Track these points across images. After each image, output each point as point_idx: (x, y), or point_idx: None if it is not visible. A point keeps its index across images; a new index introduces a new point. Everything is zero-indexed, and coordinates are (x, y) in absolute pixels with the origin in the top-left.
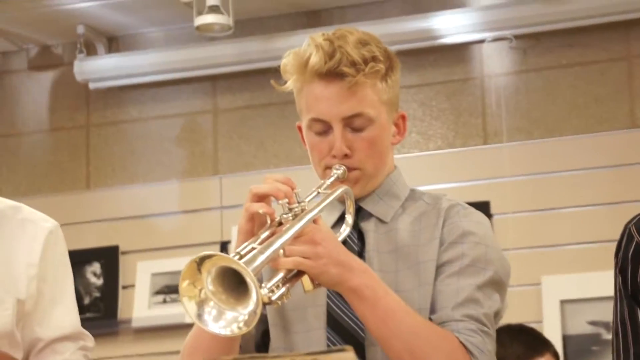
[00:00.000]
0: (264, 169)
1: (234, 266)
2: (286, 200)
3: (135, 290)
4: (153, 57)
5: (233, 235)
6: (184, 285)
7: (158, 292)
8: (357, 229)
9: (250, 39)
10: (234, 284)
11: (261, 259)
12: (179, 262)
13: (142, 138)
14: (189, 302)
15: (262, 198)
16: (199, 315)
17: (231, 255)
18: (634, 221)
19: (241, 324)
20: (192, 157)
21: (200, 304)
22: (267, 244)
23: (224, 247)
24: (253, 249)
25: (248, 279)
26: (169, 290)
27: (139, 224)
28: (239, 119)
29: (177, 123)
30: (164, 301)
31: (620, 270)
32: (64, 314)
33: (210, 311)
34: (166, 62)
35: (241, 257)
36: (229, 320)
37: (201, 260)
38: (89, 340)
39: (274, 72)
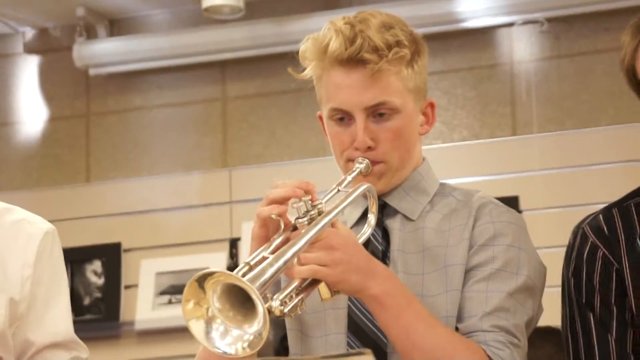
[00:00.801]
0: (276, 161)
1: (238, 284)
2: (302, 203)
3: (138, 290)
4: (158, 41)
5: (243, 231)
6: (188, 307)
7: (163, 293)
8: (381, 226)
9: (262, 22)
10: (241, 299)
11: (270, 272)
12: (186, 261)
13: (146, 128)
14: (196, 323)
15: (278, 203)
16: (207, 334)
17: (240, 266)
18: (587, 221)
19: (245, 345)
20: (200, 148)
21: (208, 322)
22: (278, 254)
23: (234, 244)
24: (264, 258)
25: (254, 297)
26: (174, 291)
27: (142, 220)
28: (249, 108)
29: (184, 112)
30: (169, 302)
31: (574, 274)
32: (58, 320)
33: (217, 328)
34: (172, 47)
35: (250, 269)
36: (235, 338)
37: (202, 279)
38: (82, 350)
39: (288, 58)
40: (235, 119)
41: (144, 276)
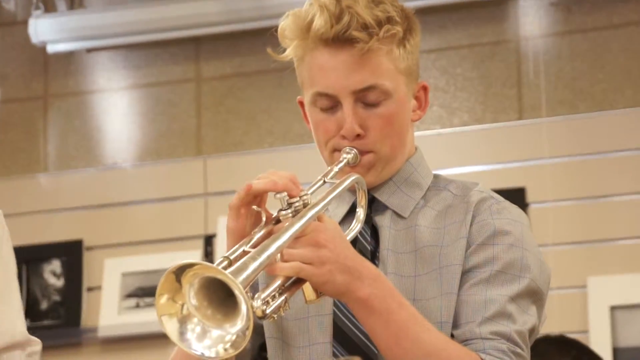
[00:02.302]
0: (256, 149)
1: (220, 277)
2: (285, 193)
3: (102, 293)
4: (124, 14)
5: (220, 227)
6: (162, 301)
7: (129, 296)
8: (370, 223)
9: None
10: (221, 296)
11: (253, 266)
12: (155, 260)
13: (111, 112)
14: (169, 321)
15: (256, 197)
16: (181, 334)
17: (218, 261)
18: None
19: (227, 346)
20: (171, 134)
21: (183, 320)
22: (261, 248)
23: (209, 241)
24: (245, 253)
25: (237, 292)
26: (142, 293)
27: (106, 214)
28: (226, 89)
29: (153, 94)
30: (137, 306)
31: None
32: (14, 318)
33: (193, 329)
34: (140, 21)
35: (230, 264)
36: (214, 339)
37: (180, 271)
38: (35, 344)
39: (269, 34)
40: (210, 102)
41: (108, 277)
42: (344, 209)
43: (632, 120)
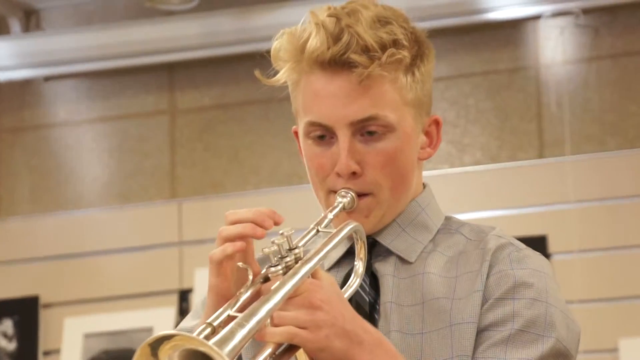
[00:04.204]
0: (238, 191)
1: (204, 349)
2: (275, 246)
3: (61, 357)
4: (88, 37)
5: (197, 280)
6: None
7: None
8: (369, 271)
9: (219, 15)
10: None
11: (241, 334)
12: (122, 319)
13: (73, 148)
14: None
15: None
16: None
17: (199, 329)
18: None
19: None
20: (141, 174)
21: None
22: (249, 312)
23: (184, 296)
24: (230, 318)
25: None
26: (107, 357)
27: (66, 267)
28: (204, 123)
29: (121, 128)
30: None
31: None
32: None
33: None
34: (106, 45)
35: (213, 332)
36: None
37: (157, 343)
38: None
39: (252, 59)
40: (186, 137)
41: (68, 339)
42: (339, 253)
43: None
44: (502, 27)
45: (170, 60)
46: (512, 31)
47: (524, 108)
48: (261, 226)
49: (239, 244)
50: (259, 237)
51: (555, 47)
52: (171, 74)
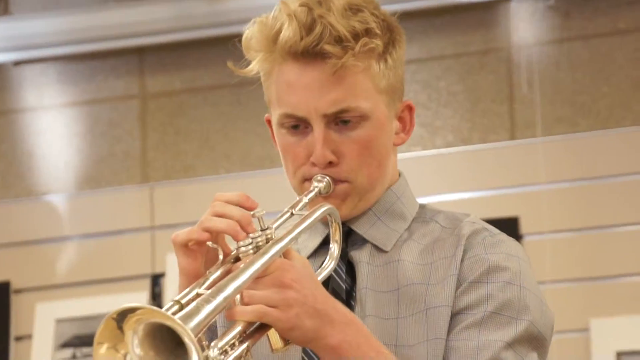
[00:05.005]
0: (210, 175)
1: (168, 323)
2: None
3: (33, 342)
4: (57, 22)
5: (169, 265)
6: (101, 351)
7: (65, 345)
8: (346, 259)
9: None
10: (170, 345)
11: (207, 310)
12: (94, 304)
13: (42, 134)
14: None
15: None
16: None
17: (167, 305)
18: None
19: None
20: (112, 159)
21: None
22: (216, 289)
23: (156, 281)
24: (198, 295)
25: (187, 341)
26: (79, 343)
27: (37, 252)
28: (176, 107)
29: (91, 113)
30: (73, 357)
31: None
32: None
33: None
34: (75, 29)
35: (181, 308)
36: None
37: (121, 316)
38: None
39: (223, 43)
40: (157, 122)
41: (40, 324)
42: (316, 242)
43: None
44: (473, 9)
45: (140, 44)
46: (483, 13)
47: (496, 90)
48: (244, 229)
49: (206, 236)
50: (238, 240)
51: (527, 29)
52: (141, 57)
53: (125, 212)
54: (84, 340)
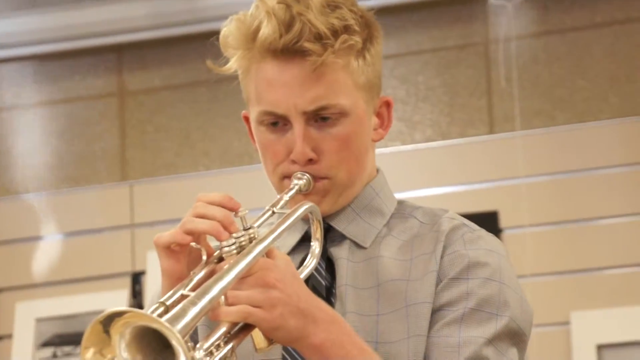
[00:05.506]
0: (190, 172)
1: (155, 325)
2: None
3: (13, 341)
4: (33, 20)
5: (149, 263)
6: (88, 356)
7: (45, 344)
8: (325, 256)
9: None
10: (157, 347)
11: (193, 312)
12: (75, 303)
13: (20, 132)
14: None
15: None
16: None
17: (152, 308)
18: None
19: None
20: (91, 157)
21: None
22: (201, 290)
23: (137, 279)
24: (183, 297)
25: (175, 343)
26: (60, 342)
27: (16, 251)
28: (154, 105)
29: (70, 111)
30: (54, 356)
31: None
32: None
33: None
34: (52, 28)
35: (166, 310)
36: None
37: (108, 320)
38: None
39: (208, 43)
40: (136, 119)
41: (20, 323)
42: (294, 239)
43: (618, 132)
44: (451, 4)
45: (118, 42)
46: (461, 8)
47: (474, 84)
48: (227, 229)
49: (188, 239)
50: (221, 240)
51: (504, 23)
52: (120, 55)
53: (105, 211)
54: (65, 339)
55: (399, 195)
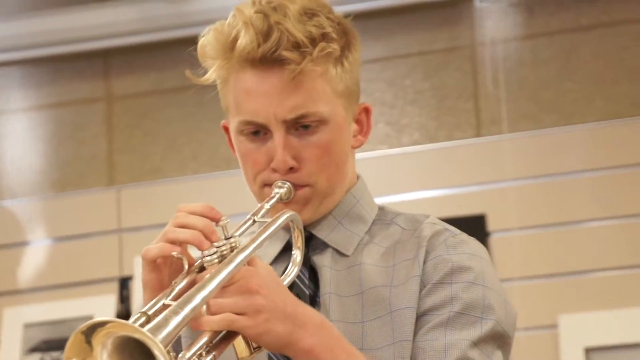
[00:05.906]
0: (177, 176)
1: (137, 335)
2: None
3: (1, 347)
4: (20, 25)
5: (137, 268)
6: None
7: (33, 350)
8: (308, 264)
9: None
10: (139, 357)
11: (175, 321)
12: (62, 308)
13: (6, 137)
14: None
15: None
16: None
17: (134, 317)
18: None
19: None
20: (78, 162)
21: None
22: (183, 300)
23: (124, 284)
24: (165, 306)
25: (157, 353)
26: (47, 347)
27: (3, 257)
28: (142, 109)
29: (57, 116)
30: None
31: None
32: None
33: None
34: (39, 32)
35: (148, 320)
36: None
37: (90, 330)
38: None
39: (189, 44)
40: (123, 124)
41: (7, 329)
42: (276, 248)
43: (605, 135)
44: (438, 7)
45: (105, 47)
46: (448, 11)
47: (461, 87)
48: (208, 238)
49: (176, 249)
50: (203, 249)
51: (491, 26)
52: (107, 60)
53: (92, 215)
54: (52, 345)
55: (387, 199)
